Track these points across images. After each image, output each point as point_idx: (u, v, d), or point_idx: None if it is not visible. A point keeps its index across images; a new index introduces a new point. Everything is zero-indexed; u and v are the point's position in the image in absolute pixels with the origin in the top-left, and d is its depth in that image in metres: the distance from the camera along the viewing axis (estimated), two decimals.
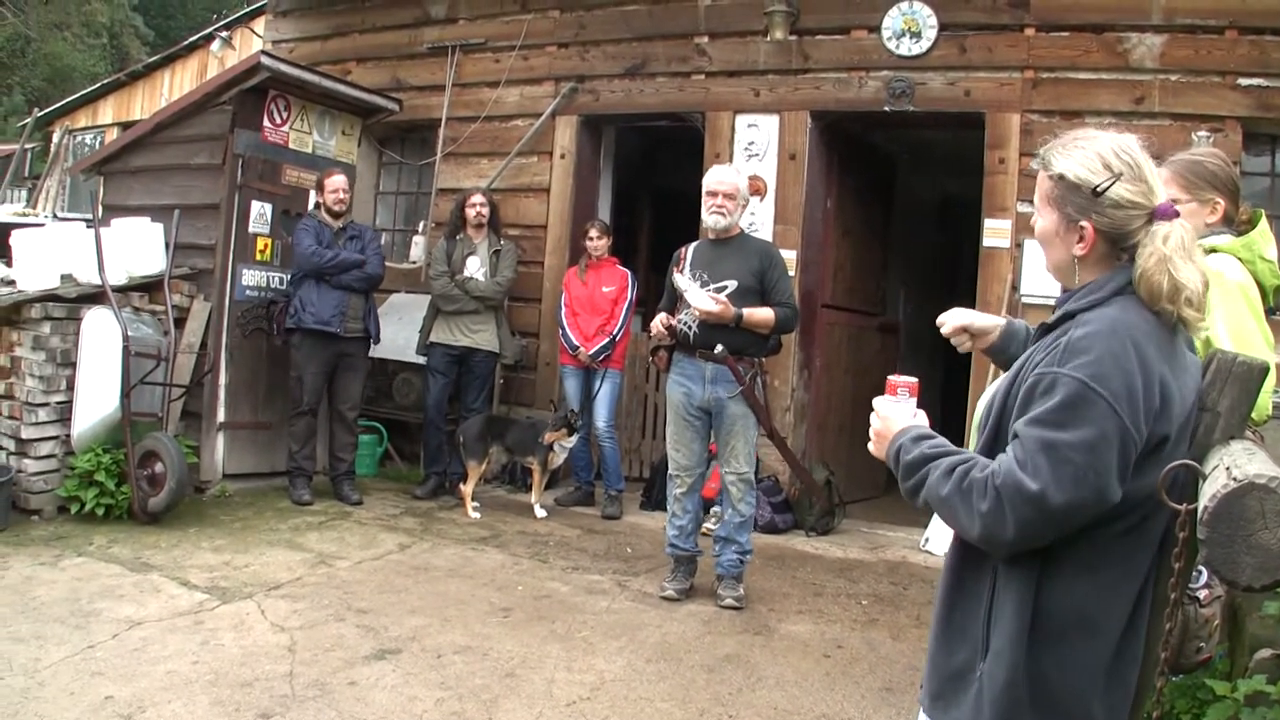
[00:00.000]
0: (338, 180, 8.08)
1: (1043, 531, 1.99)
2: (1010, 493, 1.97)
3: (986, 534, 2.02)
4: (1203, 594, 2.50)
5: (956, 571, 2.25)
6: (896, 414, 2.34)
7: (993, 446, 2.16)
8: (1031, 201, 7.50)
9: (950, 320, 2.70)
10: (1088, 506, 1.96)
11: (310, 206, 8.29)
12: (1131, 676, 2.13)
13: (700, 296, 5.86)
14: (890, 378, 2.45)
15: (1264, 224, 3.55)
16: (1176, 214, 2.13)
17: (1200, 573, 2.44)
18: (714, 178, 6.17)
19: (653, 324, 6.15)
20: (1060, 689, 2.07)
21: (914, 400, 2.41)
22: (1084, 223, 2.16)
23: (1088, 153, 2.17)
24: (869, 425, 2.36)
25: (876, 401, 2.39)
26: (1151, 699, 2.13)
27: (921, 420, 2.33)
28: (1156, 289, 2.06)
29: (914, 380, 2.44)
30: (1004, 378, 2.26)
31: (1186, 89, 7.36)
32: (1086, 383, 1.97)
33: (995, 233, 7.84)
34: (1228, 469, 1.92)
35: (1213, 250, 3.40)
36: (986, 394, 2.39)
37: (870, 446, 2.38)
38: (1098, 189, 2.13)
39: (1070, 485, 1.94)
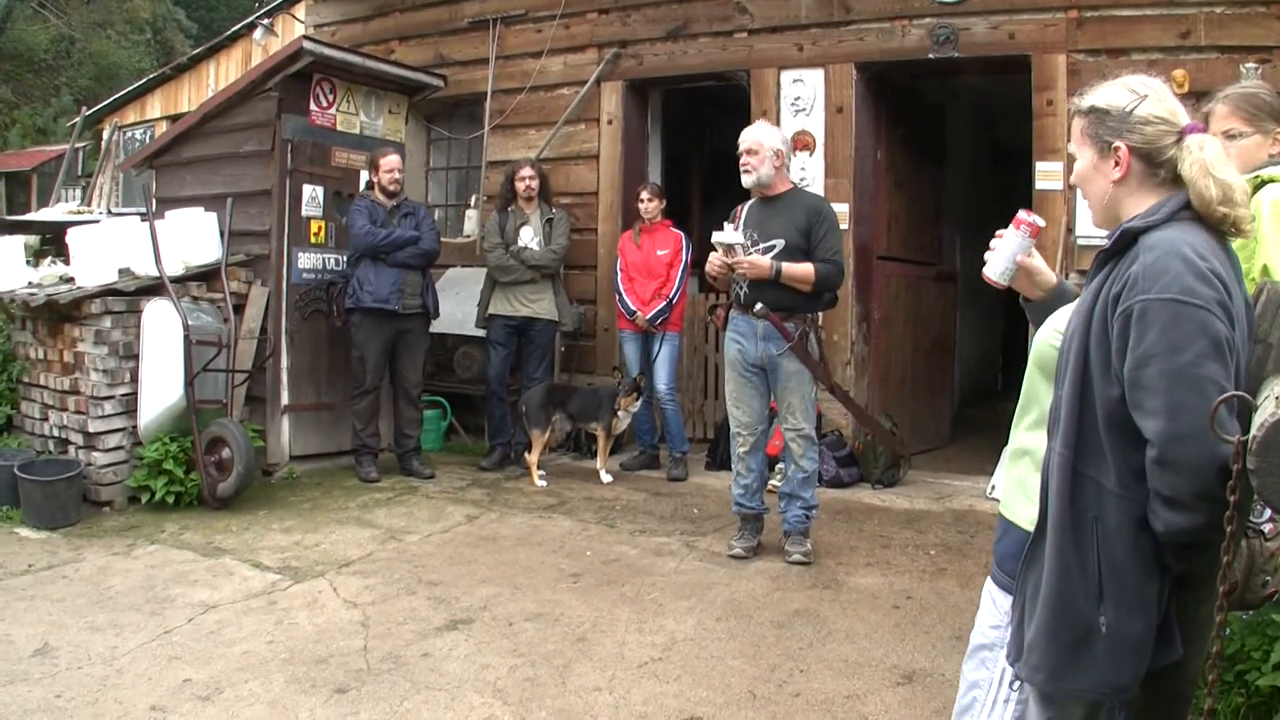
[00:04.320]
0: (393, 159, 8.11)
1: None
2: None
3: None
4: (1268, 528, 2.45)
5: (1066, 529, 2.20)
6: (1004, 245, 2.68)
7: (1082, 377, 2.17)
8: None
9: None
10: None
11: (362, 186, 8.31)
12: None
13: (739, 253, 5.86)
14: (1020, 212, 2.71)
15: None
16: (1205, 130, 2.17)
17: (1265, 507, 2.40)
18: (740, 138, 6.12)
19: (708, 266, 6.06)
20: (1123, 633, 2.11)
21: (1032, 242, 2.69)
22: (1118, 143, 2.24)
23: (1114, 84, 2.30)
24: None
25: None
26: (1212, 633, 2.11)
27: (1038, 262, 2.68)
28: (1206, 195, 2.10)
29: (1041, 222, 2.72)
30: (1077, 311, 2.26)
31: (1232, 20, 7.16)
32: (1179, 299, 2.00)
33: (1047, 175, 7.71)
34: (1278, 398, 1.89)
35: (1271, 180, 3.34)
36: (1050, 326, 2.40)
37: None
38: (1128, 108, 2.22)
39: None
